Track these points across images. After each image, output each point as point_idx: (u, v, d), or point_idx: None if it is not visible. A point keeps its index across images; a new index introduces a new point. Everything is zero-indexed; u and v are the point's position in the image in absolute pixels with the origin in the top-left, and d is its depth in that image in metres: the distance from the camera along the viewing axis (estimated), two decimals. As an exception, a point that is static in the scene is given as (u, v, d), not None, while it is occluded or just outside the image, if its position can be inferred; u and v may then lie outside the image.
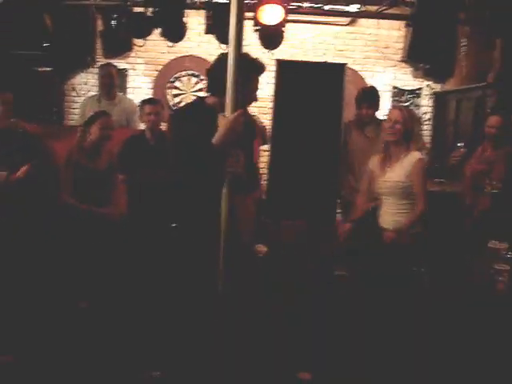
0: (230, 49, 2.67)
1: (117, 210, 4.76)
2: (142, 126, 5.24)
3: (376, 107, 5.26)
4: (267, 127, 5.52)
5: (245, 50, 6.35)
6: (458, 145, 5.23)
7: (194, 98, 7.21)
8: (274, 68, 5.18)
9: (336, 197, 5.36)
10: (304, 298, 4.72)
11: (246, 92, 3.14)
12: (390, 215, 4.25)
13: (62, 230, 4.54)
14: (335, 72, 5.18)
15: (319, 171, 5.18)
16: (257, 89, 3.33)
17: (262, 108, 6.30)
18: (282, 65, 5.06)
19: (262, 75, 3.24)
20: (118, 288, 4.52)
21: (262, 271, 4.71)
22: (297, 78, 5.07)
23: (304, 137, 5.13)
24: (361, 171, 5.15)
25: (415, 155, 4.15)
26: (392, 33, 7.11)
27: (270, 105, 5.31)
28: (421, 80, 7.40)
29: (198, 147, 2.89)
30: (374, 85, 7.27)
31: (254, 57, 3.24)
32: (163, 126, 5.25)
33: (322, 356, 3.95)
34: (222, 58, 2.95)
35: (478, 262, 3.15)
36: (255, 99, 3.34)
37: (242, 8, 2.66)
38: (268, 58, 5.27)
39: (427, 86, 7.43)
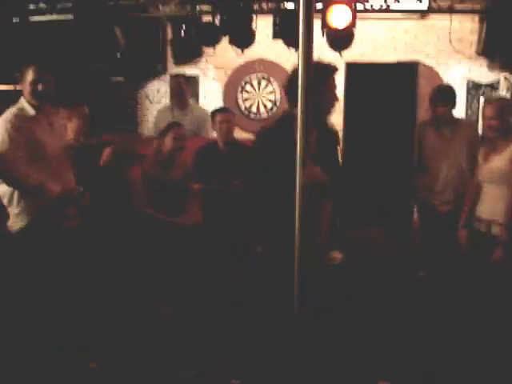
0: (299, 57, 2.64)
1: (191, 219, 4.81)
2: (215, 135, 5.27)
3: (452, 106, 5.10)
4: (339, 129, 5.45)
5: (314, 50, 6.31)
6: None
7: (265, 101, 7.50)
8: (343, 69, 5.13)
9: (412, 199, 5.25)
10: (383, 306, 4.68)
11: (325, 95, 3.19)
12: (489, 204, 4.28)
13: (138, 238, 4.64)
14: (408, 72, 5.05)
15: (394, 174, 5.07)
16: (335, 88, 3.36)
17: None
18: (350, 67, 4.97)
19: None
20: (192, 295, 4.61)
21: (337, 279, 4.70)
22: (367, 79, 4.98)
23: (377, 139, 5.04)
24: (437, 172, 5.06)
25: None
26: (465, 25, 6.87)
27: (341, 107, 5.23)
28: (497, 72, 7.14)
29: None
30: (448, 79, 7.17)
31: (326, 61, 3.27)
32: (236, 134, 5.33)
33: (402, 364, 3.91)
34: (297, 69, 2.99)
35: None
36: (336, 99, 3.38)
37: (312, 14, 2.62)
38: (337, 59, 5.26)
39: (504, 78, 7.16)
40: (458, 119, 5.25)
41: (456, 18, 6.82)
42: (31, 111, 3.85)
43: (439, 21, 6.97)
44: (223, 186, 4.81)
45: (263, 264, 3.49)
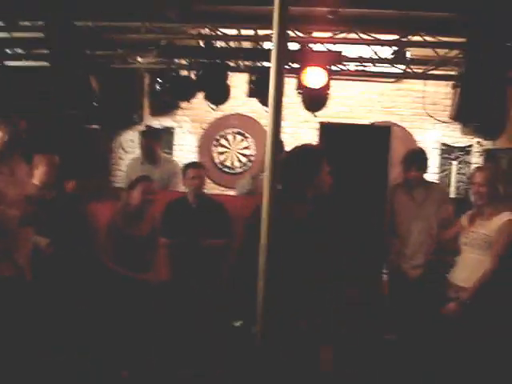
0: (269, 121, 2.56)
1: (157, 275, 4.73)
2: (184, 189, 5.22)
3: (425, 170, 5.13)
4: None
5: (289, 109, 6.39)
6: None
7: (240, 156, 7.49)
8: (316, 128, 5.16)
9: (383, 262, 5.22)
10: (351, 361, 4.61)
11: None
12: (466, 271, 4.26)
13: (101, 293, 4.54)
14: (381, 135, 5.07)
15: (365, 235, 5.04)
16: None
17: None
18: (325, 128, 4.99)
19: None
20: (157, 353, 4.50)
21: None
22: (341, 140, 4.98)
23: (349, 199, 5.01)
24: (408, 236, 5.05)
25: (506, 215, 4.16)
26: (439, 89, 6.98)
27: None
28: (470, 137, 7.24)
29: None
30: (422, 141, 7.26)
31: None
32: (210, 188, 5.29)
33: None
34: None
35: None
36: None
37: (282, 75, 2.57)
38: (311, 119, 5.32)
39: (477, 143, 7.26)
40: (429, 182, 5.27)
41: (431, 82, 6.94)
42: None
43: (414, 85, 7.09)
44: (192, 240, 4.74)
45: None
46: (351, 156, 5.04)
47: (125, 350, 4.43)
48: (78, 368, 4.24)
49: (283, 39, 2.42)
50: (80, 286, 4.57)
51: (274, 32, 2.33)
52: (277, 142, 2.58)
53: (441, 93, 7.05)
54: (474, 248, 4.23)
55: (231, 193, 6.23)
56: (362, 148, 5.04)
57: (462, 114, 5.32)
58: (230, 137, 7.44)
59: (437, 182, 5.64)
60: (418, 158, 5.12)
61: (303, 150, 3.28)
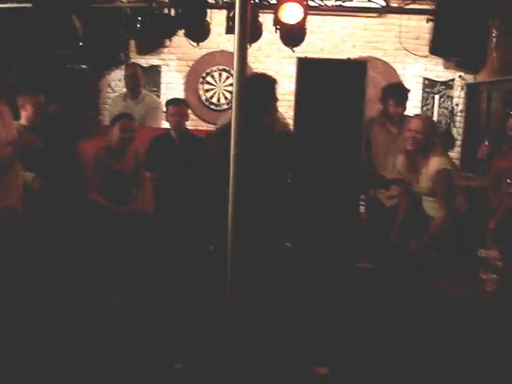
0: (234, 61, 2.60)
1: (141, 206, 4.91)
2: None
3: (403, 105, 5.24)
4: (290, 123, 5.57)
5: (267, 45, 6.42)
6: (485, 141, 5.23)
7: (226, 92, 7.59)
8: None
9: (359, 191, 5.39)
10: (326, 292, 4.82)
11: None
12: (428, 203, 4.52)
13: (88, 226, 4.74)
14: (357, 69, 5.15)
15: (342, 169, 5.20)
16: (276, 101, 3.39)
17: (284, 103, 6.38)
18: (302, 62, 5.07)
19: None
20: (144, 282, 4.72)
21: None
22: (318, 75, 5.08)
23: (325, 133, 5.15)
24: (383, 165, 5.22)
25: (435, 163, 4.34)
26: (422, 24, 6.98)
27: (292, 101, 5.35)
28: (453, 71, 7.33)
29: None
30: (405, 76, 7.35)
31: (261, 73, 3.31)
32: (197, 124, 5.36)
33: (341, 350, 4.06)
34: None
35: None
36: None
37: (247, 12, 2.62)
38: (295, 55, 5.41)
39: (459, 77, 7.35)
40: (404, 115, 5.40)
41: (414, 16, 6.98)
42: None
43: (398, 19, 7.11)
44: (173, 176, 4.89)
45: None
46: (329, 90, 5.15)
47: (113, 277, 4.65)
48: (69, 300, 4.43)
49: None
50: (67, 220, 4.75)
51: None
52: (243, 76, 2.72)
53: (423, 27, 7.06)
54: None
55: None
56: (339, 82, 5.14)
57: (437, 48, 5.40)
58: (215, 74, 7.52)
59: (412, 115, 5.73)
60: (397, 91, 5.24)
61: (256, 77, 3.33)
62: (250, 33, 2.61)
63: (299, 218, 5.25)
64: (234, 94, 2.60)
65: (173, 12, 5.68)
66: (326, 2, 5.78)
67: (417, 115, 5.37)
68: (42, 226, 4.49)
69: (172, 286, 4.64)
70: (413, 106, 7.28)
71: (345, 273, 5.04)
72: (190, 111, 7.31)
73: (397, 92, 5.24)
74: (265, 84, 3.34)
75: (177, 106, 5.17)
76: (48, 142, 4.67)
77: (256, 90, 3.14)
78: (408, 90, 5.47)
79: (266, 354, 3.60)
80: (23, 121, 4.75)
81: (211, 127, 7.14)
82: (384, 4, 6.04)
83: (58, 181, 4.68)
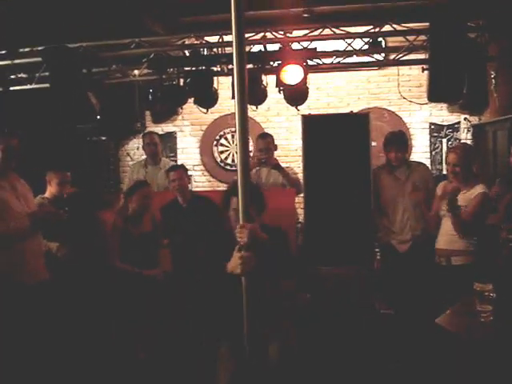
0: (236, 117, 2.68)
1: (162, 269, 5.09)
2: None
3: (404, 150, 5.41)
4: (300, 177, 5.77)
5: (275, 105, 6.67)
6: (497, 181, 5.37)
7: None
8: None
9: (372, 240, 5.53)
10: (349, 339, 4.92)
11: None
12: (447, 235, 4.65)
13: (112, 292, 4.91)
14: (360, 121, 5.38)
15: (353, 216, 5.36)
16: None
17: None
18: (306, 119, 5.32)
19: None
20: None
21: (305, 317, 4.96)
22: (323, 130, 5.32)
23: (336, 185, 5.33)
24: (394, 214, 5.37)
25: (479, 188, 4.58)
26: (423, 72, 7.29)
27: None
28: (458, 114, 7.54)
29: None
30: (411, 123, 7.57)
31: None
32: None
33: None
34: None
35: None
36: None
37: (244, 75, 2.67)
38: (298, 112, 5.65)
39: (464, 119, 7.55)
40: (410, 162, 5.58)
41: (416, 66, 7.26)
42: None
43: (399, 69, 7.37)
44: (188, 239, 5.06)
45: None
46: (335, 144, 5.37)
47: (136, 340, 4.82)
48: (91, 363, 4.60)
49: (242, 41, 2.68)
50: (93, 287, 4.93)
51: (233, 35, 2.60)
52: (245, 134, 2.85)
53: (425, 74, 7.34)
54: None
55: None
56: (344, 135, 5.36)
57: (434, 95, 5.62)
58: (229, 136, 7.82)
59: (419, 161, 5.92)
60: (396, 139, 5.42)
61: None
62: (252, 95, 2.82)
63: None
64: (238, 154, 2.72)
65: (182, 82, 6.01)
66: (325, 60, 6.03)
67: (451, 148, 5.55)
68: (71, 293, 4.70)
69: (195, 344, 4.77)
70: (422, 152, 7.50)
71: (365, 318, 5.15)
72: (206, 173, 7.67)
73: (395, 139, 5.42)
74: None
75: (175, 171, 5.39)
76: (70, 213, 4.93)
77: None
78: (406, 136, 5.65)
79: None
80: (47, 194, 5.02)
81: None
82: (381, 58, 6.29)
83: (81, 249, 4.90)
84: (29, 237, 4.19)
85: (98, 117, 6.64)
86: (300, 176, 5.64)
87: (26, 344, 3.99)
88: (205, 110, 6.02)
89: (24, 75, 6.48)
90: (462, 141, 7.55)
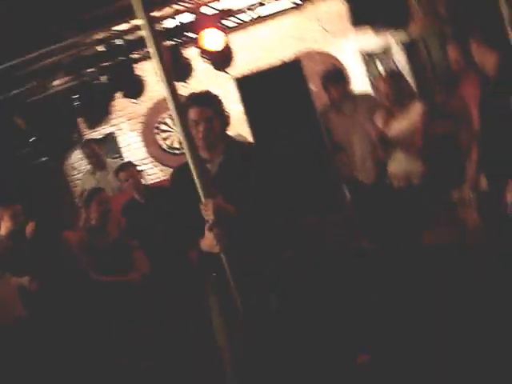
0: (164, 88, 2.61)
1: (139, 272, 4.95)
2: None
3: (343, 84, 5.34)
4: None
5: (204, 75, 6.50)
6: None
7: None
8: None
9: (337, 178, 5.45)
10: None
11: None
12: (402, 162, 4.69)
13: (96, 307, 4.77)
14: (293, 69, 5.28)
15: (311, 162, 5.28)
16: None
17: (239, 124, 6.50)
18: (240, 81, 5.20)
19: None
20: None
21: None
22: (259, 88, 5.20)
23: (286, 138, 5.25)
24: (351, 148, 5.30)
25: (416, 107, 4.66)
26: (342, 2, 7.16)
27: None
28: (385, 37, 7.43)
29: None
30: (343, 56, 7.45)
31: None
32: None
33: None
34: None
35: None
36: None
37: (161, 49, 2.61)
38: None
39: (395, 41, 7.45)
40: (354, 94, 5.49)
41: (332, 2, 7.13)
42: None
43: (318, 7, 7.26)
44: (153, 236, 4.93)
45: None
46: (274, 98, 5.26)
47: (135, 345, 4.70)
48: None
49: (150, 21, 2.58)
50: (76, 308, 4.78)
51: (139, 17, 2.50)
52: (181, 112, 2.75)
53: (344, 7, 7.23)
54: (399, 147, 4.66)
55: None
56: (282, 87, 5.26)
57: (356, 19, 5.51)
58: (168, 120, 7.60)
59: (361, 91, 5.84)
60: (331, 75, 5.35)
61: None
62: (178, 71, 2.70)
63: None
64: (180, 133, 2.65)
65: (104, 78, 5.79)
66: (240, 17, 5.87)
67: (379, 76, 5.53)
68: (53, 325, 4.55)
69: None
70: (361, 82, 7.39)
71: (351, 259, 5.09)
72: (156, 163, 7.48)
73: (330, 75, 5.35)
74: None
75: (125, 171, 5.24)
76: (32, 244, 4.76)
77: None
78: (340, 70, 5.57)
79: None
80: (3, 230, 4.82)
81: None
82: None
83: (53, 276, 4.73)
84: None
85: (30, 140, 6.42)
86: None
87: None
88: (136, 101, 5.82)
89: None
90: (396, 62, 7.48)
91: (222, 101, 3.07)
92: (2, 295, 4.14)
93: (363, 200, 5.35)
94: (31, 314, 4.32)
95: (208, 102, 3.01)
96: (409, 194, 4.60)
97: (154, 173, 7.70)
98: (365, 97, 5.56)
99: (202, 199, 2.71)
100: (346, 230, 5.30)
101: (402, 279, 4.55)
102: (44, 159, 7.31)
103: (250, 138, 5.42)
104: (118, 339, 4.69)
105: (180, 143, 7.59)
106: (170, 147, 7.63)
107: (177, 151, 7.61)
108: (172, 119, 7.52)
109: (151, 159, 7.72)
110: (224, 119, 3.08)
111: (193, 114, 2.94)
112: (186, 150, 2.65)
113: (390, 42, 7.48)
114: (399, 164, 4.70)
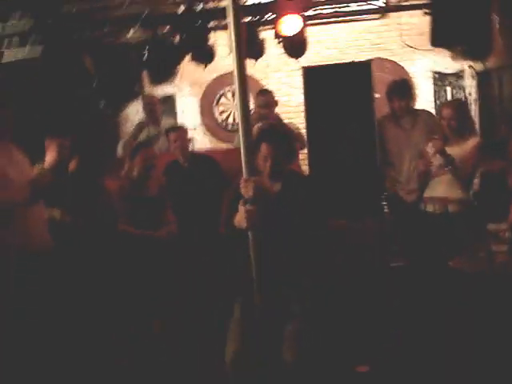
0: (234, 69, 2.70)
1: (169, 230, 5.04)
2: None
3: (408, 98, 5.32)
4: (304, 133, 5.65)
5: (275, 60, 6.55)
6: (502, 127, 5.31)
7: None
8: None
9: (380, 191, 5.45)
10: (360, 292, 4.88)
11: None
12: (443, 185, 4.71)
13: (121, 256, 4.87)
14: (362, 70, 5.25)
15: (359, 169, 5.27)
16: None
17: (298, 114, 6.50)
18: (307, 71, 5.21)
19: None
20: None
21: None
22: (324, 81, 5.20)
23: (339, 137, 5.25)
24: (400, 164, 5.29)
25: (474, 140, 4.69)
26: (425, 19, 7.08)
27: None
28: (461, 62, 7.36)
29: None
30: (414, 72, 7.41)
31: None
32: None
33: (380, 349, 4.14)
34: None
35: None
36: None
37: (240, 28, 2.68)
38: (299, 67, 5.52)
39: (469, 66, 7.37)
40: (415, 110, 5.47)
41: (415, 13, 7.06)
42: None
43: (400, 17, 7.21)
44: (190, 200, 5.02)
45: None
46: (337, 95, 5.25)
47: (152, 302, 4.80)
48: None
49: None
50: (100, 252, 4.89)
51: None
52: (244, 86, 2.81)
53: (427, 21, 7.15)
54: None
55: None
56: (346, 84, 5.25)
57: (437, 40, 5.47)
58: (229, 94, 7.67)
59: (424, 108, 5.80)
60: (399, 87, 5.32)
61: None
62: (249, 48, 2.74)
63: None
64: (238, 108, 2.74)
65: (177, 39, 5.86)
66: (324, 10, 5.87)
67: (445, 103, 5.48)
68: (77, 260, 4.66)
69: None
70: (426, 100, 7.35)
71: (378, 272, 5.11)
72: (207, 133, 7.55)
73: (397, 87, 5.33)
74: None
75: (176, 132, 5.34)
76: (73, 179, 4.87)
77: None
78: (409, 84, 5.53)
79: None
80: (46, 162, 4.92)
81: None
82: (382, 4, 6.12)
83: (86, 215, 4.84)
84: (30, 206, 4.17)
85: (94, 84, 6.53)
86: (303, 132, 5.53)
87: (31, 311, 3.98)
88: (202, 69, 5.88)
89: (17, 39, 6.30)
90: (467, 88, 7.41)
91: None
92: (34, 222, 4.23)
93: (400, 217, 5.34)
94: (57, 247, 4.43)
95: (279, 139, 3.32)
96: (443, 220, 4.59)
97: (202, 141, 7.76)
98: (426, 116, 5.51)
99: (244, 175, 2.78)
100: (378, 241, 5.31)
101: (422, 298, 4.59)
102: (102, 105, 7.46)
103: (304, 130, 5.44)
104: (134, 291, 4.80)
105: (234, 120, 7.66)
106: (224, 121, 7.70)
107: (229, 127, 7.67)
108: (233, 95, 7.61)
109: (203, 128, 7.80)
110: (292, 155, 3.47)
111: (264, 149, 3.25)
112: (240, 126, 2.74)
113: (464, 67, 7.41)
114: (438, 189, 4.67)
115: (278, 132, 3.45)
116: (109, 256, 4.85)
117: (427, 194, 4.80)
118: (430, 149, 4.71)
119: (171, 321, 4.80)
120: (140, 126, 6.51)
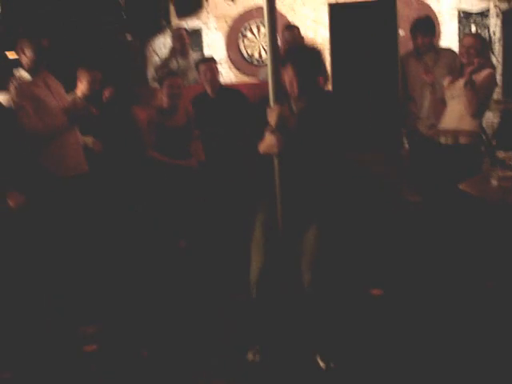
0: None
1: (195, 160, 5.27)
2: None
3: (432, 35, 5.40)
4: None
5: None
6: None
7: (266, 46, 7.66)
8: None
9: (400, 126, 5.60)
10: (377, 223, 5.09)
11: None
12: (454, 117, 4.76)
13: (149, 180, 5.12)
14: (387, 7, 5.35)
15: (381, 104, 5.43)
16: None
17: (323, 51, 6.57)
18: (333, 8, 5.32)
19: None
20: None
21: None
22: (350, 18, 5.32)
23: (363, 73, 5.39)
24: (421, 99, 5.41)
25: (487, 70, 4.69)
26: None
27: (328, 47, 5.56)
28: (487, 1, 7.35)
29: None
30: (440, 10, 7.41)
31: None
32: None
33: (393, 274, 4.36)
34: None
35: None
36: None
37: None
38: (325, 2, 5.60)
39: (494, 5, 7.36)
40: (439, 48, 5.56)
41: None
42: (28, 77, 4.29)
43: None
44: (217, 131, 5.21)
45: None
46: (361, 33, 5.37)
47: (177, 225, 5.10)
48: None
49: None
50: (131, 178, 5.14)
51: None
52: (273, 18, 2.94)
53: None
54: (455, 99, 4.75)
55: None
56: (371, 23, 5.36)
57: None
58: (254, 29, 7.74)
59: (449, 48, 5.87)
60: (422, 24, 5.39)
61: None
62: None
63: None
64: (267, 46, 2.88)
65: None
66: None
67: (468, 33, 5.52)
68: (108, 184, 4.93)
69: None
70: (451, 39, 7.37)
71: (393, 206, 5.29)
72: (233, 68, 7.67)
73: (421, 24, 5.40)
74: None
75: (206, 63, 5.44)
76: (105, 108, 5.08)
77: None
78: (433, 21, 5.58)
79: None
80: (78, 91, 5.13)
81: (255, 81, 7.42)
82: None
83: (117, 142, 5.08)
84: (66, 131, 4.41)
85: (124, 16, 6.67)
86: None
87: (64, 233, 4.28)
88: (230, 3, 5.97)
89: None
90: (491, 27, 7.41)
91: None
92: (70, 147, 4.46)
93: (419, 151, 5.49)
94: (92, 172, 4.69)
95: (305, 58, 3.23)
96: (455, 151, 4.73)
97: (227, 75, 7.89)
98: (449, 54, 5.58)
99: (271, 104, 2.93)
100: (396, 176, 5.48)
101: (436, 231, 4.80)
102: (130, 38, 7.60)
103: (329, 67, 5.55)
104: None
105: (260, 55, 7.77)
106: (249, 55, 7.79)
107: (255, 61, 7.78)
108: (258, 29, 7.70)
109: (229, 62, 7.90)
110: (320, 70, 3.29)
111: (289, 70, 3.18)
112: (268, 57, 2.86)
113: (489, 6, 7.40)
114: (450, 121, 4.82)
115: (304, 51, 3.37)
116: (137, 181, 5.12)
117: (440, 126, 4.93)
118: (445, 81, 4.85)
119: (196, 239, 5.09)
120: (169, 57, 6.68)
